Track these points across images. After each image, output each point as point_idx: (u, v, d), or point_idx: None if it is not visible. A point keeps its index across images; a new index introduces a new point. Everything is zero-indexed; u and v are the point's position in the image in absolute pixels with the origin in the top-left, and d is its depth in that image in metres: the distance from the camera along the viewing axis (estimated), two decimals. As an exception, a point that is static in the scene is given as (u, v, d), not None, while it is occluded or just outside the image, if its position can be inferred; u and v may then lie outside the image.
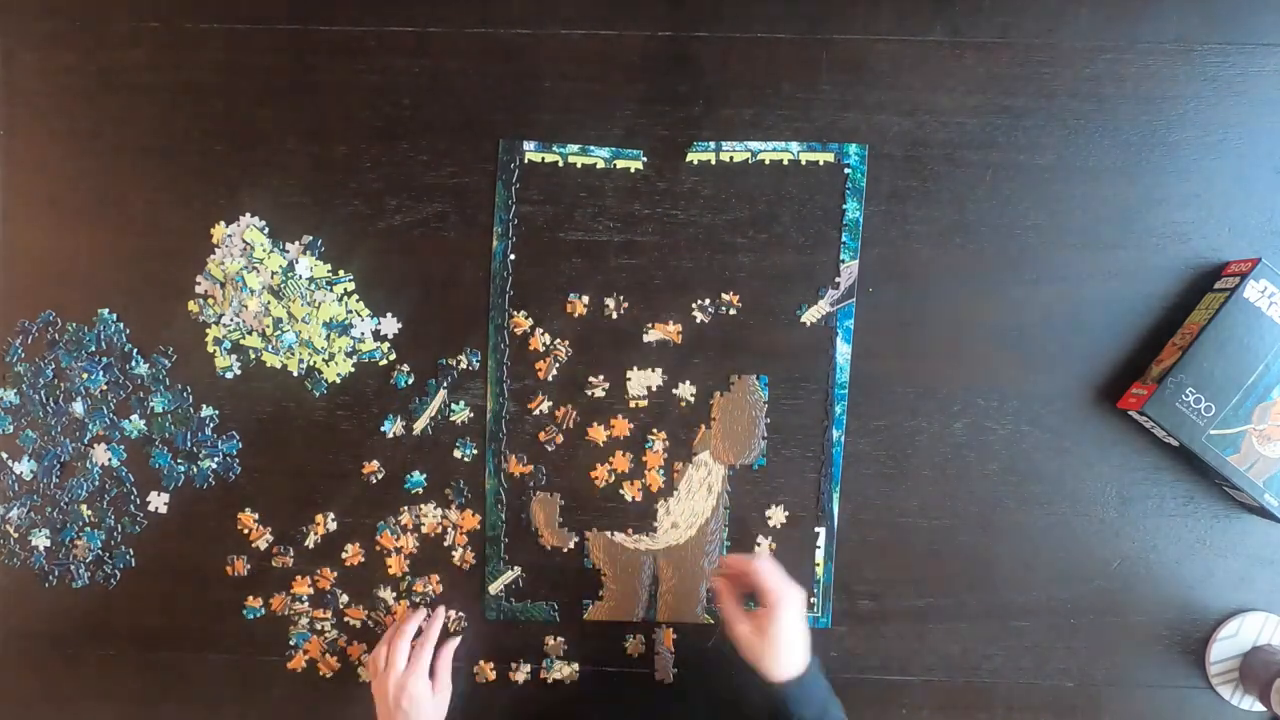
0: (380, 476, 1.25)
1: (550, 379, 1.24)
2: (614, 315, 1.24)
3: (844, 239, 1.23)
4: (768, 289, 1.23)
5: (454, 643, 1.23)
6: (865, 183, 1.22)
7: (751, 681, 1.06)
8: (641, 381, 1.24)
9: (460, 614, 1.25)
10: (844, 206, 1.23)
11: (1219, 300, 1.16)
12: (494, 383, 1.25)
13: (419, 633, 1.21)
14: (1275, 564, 1.23)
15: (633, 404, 1.24)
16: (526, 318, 1.23)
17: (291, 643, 1.26)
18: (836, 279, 1.23)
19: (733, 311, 1.23)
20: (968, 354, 1.23)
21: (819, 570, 1.24)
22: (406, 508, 1.25)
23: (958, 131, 1.22)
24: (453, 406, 1.25)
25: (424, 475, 1.25)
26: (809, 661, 1.06)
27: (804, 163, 1.23)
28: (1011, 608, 1.24)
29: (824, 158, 1.23)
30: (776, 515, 1.24)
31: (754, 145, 1.23)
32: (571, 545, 1.25)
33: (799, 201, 1.23)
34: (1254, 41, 1.20)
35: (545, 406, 1.24)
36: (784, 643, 1.04)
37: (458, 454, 1.24)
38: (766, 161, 1.23)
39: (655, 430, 1.24)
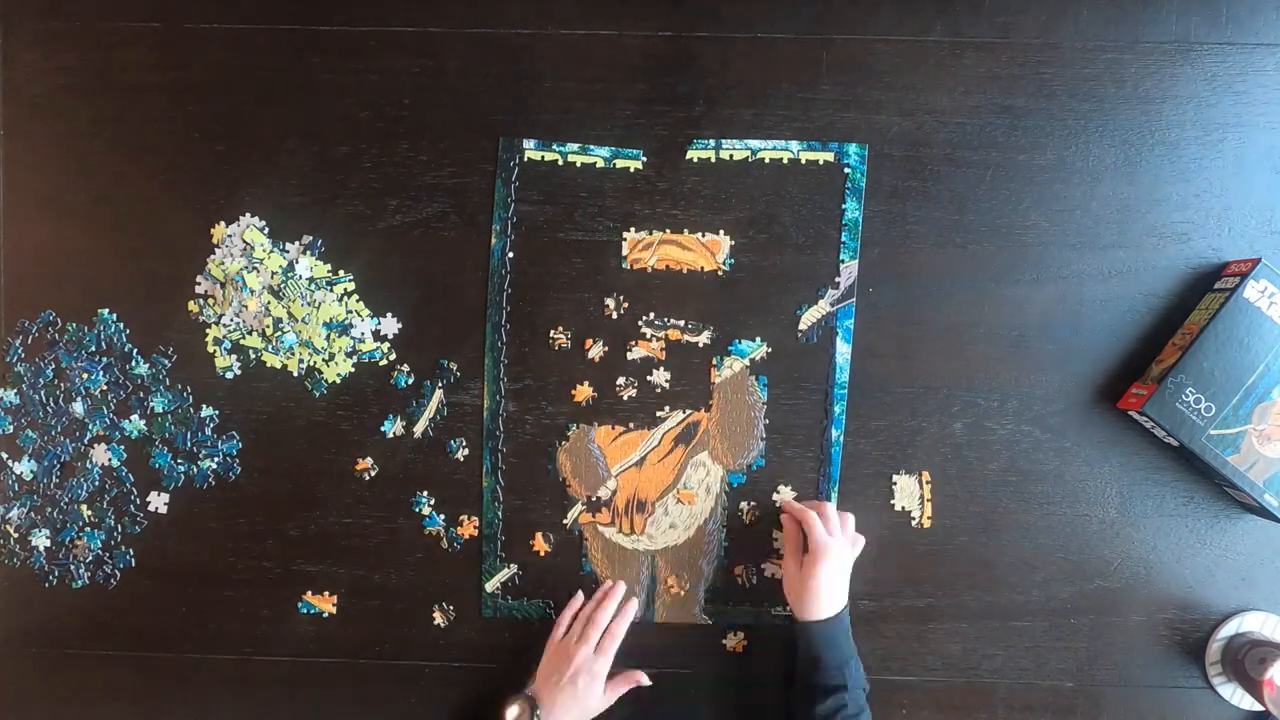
0: (376, 474, 1.25)
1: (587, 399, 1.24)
2: (614, 315, 1.24)
3: (844, 239, 1.23)
4: (767, 289, 1.23)
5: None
6: (865, 182, 1.22)
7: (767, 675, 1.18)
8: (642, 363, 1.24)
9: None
10: (844, 206, 1.23)
11: (1219, 300, 1.16)
12: (490, 381, 1.25)
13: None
14: (1275, 564, 1.23)
15: (632, 377, 1.24)
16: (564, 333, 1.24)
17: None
18: (836, 279, 1.23)
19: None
20: (968, 354, 1.23)
21: (819, 570, 1.25)
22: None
23: (958, 131, 1.22)
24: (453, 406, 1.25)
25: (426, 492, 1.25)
26: (838, 612, 1.13)
27: (804, 162, 1.23)
28: (1011, 608, 1.24)
29: (824, 157, 1.23)
30: (786, 493, 1.25)
31: (753, 143, 1.23)
32: (604, 493, 1.24)
33: (799, 201, 1.23)
34: (1254, 41, 1.20)
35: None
36: (814, 589, 1.12)
37: (452, 454, 1.25)
38: (766, 160, 1.23)
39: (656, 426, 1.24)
